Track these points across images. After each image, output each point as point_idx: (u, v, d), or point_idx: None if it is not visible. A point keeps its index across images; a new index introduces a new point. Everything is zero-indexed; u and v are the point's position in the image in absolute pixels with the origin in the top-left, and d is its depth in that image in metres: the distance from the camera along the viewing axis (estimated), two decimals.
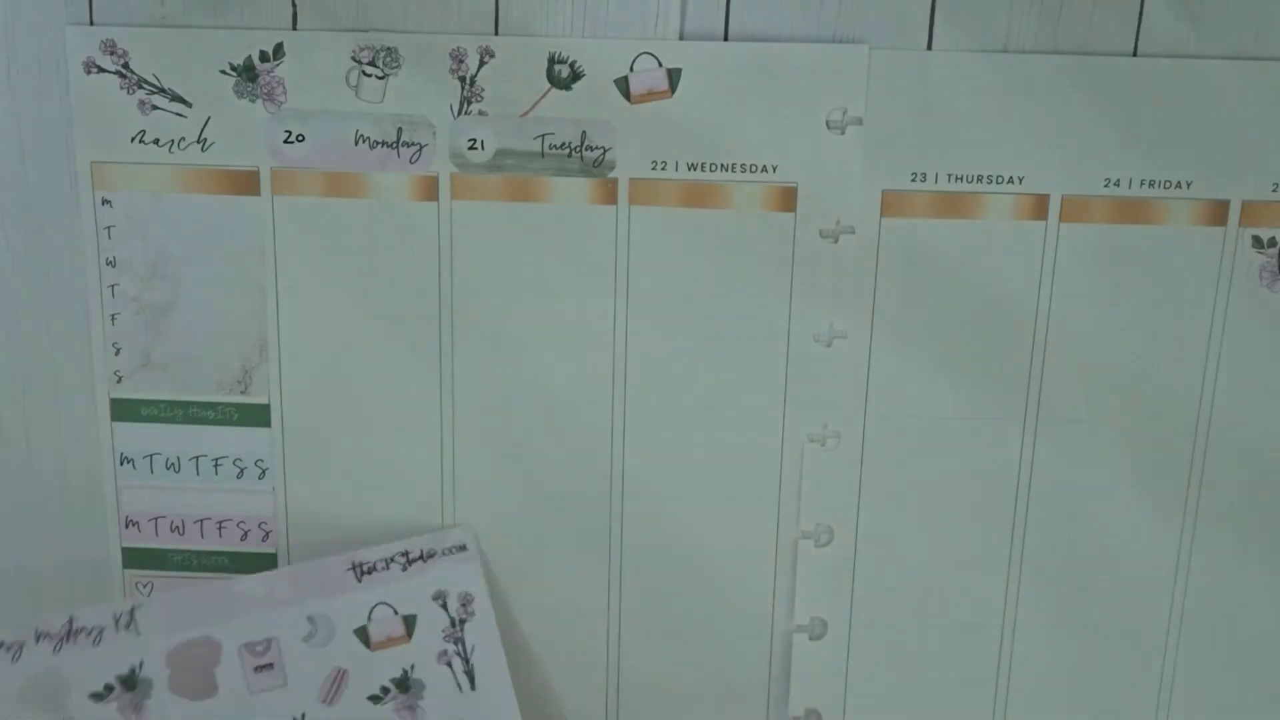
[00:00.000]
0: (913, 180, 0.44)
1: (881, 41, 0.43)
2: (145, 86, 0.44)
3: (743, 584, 0.48)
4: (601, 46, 0.43)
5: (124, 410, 0.47)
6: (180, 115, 0.44)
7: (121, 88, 0.44)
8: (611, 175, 0.44)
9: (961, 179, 0.44)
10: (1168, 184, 0.44)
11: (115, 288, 0.46)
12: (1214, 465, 0.46)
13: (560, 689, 0.48)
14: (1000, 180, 0.44)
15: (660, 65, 0.43)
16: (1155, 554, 0.47)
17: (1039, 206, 0.45)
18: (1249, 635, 0.48)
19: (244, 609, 0.45)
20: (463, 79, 0.44)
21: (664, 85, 0.44)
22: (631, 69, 0.44)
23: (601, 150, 0.44)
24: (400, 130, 0.44)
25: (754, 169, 0.44)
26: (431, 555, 0.45)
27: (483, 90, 0.44)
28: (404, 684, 0.45)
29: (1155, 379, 0.46)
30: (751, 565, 0.48)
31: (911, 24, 0.43)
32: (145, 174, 0.45)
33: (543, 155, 0.44)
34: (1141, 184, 0.44)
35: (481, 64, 0.44)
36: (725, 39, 0.43)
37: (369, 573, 0.45)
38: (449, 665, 0.45)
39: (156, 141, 0.45)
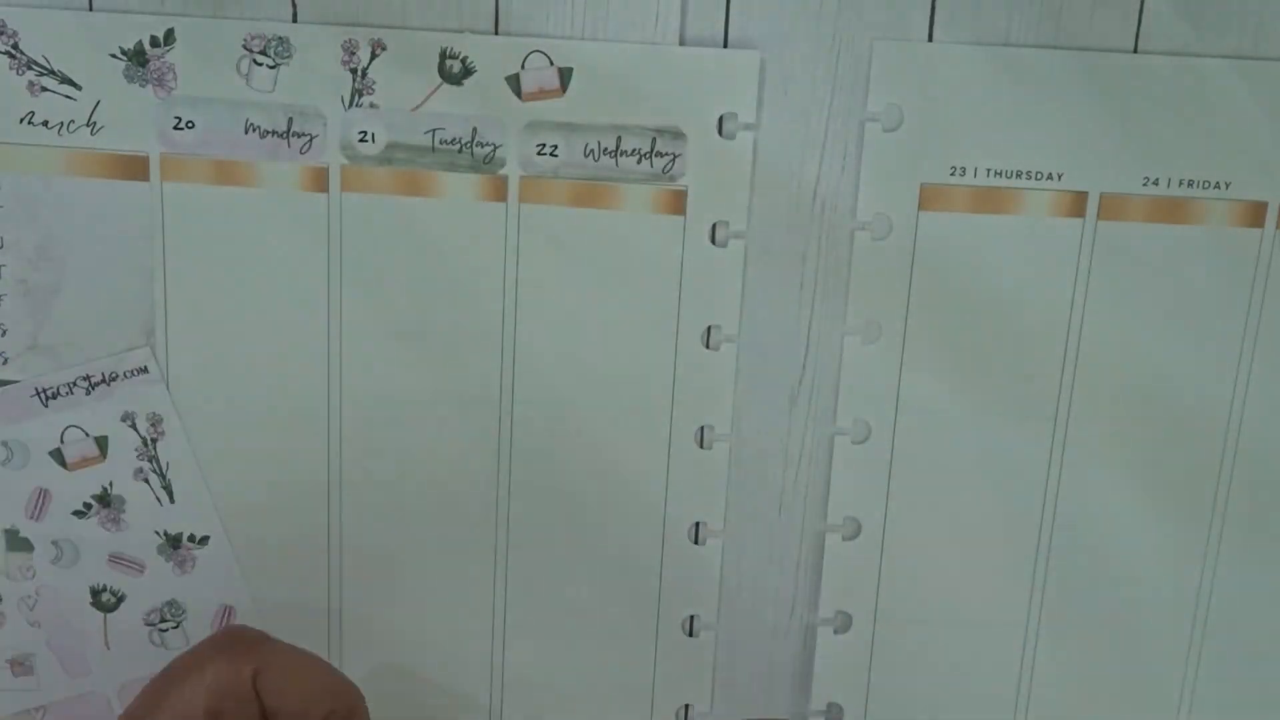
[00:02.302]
0: (952, 174, 0.44)
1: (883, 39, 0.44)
2: (35, 68, 0.44)
3: (634, 572, 0.48)
4: (494, 43, 0.43)
5: None
6: (70, 98, 0.44)
7: (10, 68, 0.44)
8: (502, 172, 0.44)
9: (1001, 174, 0.45)
10: (1207, 184, 0.45)
11: (3, 269, 0.46)
12: (1243, 471, 0.47)
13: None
14: (1039, 176, 0.44)
15: (551, 64, 0.43)
16: (1180, 563, 0.48)
17: (1077, 204, 0.45)
18: (1272, 641, 0.48)
19: None
20: (354, 70, 0.44)
21: (555, 84, 0.44)
22: (523, 67, 0.43)
23: (492, 147, 0.44)
24: (290, 120, 0.44)
25: (645, 172, 0.44)
26: (114, 378, 0.46)
27: (374, 83, 0.44)
28: (105, 500, 0.47)
29: (1186, 382, 0.46)
30: (644, 556, 0.48)
31: (913, 21, 0.44)
32: (34, 155, 0.45)
33: (433, 150, 0.44)
34: (1181, 183, 0.45)
35: (374, 56, 0.44)
36: (725, 37, 0.44)
37: (54, 398, 0.45)
38: (146, 481, 0.47)
39: (45, 123, 0.44)
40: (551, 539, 0.47)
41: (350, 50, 0.43)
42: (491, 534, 0.48)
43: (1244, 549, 0.48)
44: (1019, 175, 0.45)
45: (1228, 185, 0.45)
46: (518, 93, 0.44)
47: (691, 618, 0.48)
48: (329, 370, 0.46)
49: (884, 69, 0.44)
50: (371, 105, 0.44)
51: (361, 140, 0.44)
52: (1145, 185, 0.45)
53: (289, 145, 0.44)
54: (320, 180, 0.45)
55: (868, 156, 0.45)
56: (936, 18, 0.44)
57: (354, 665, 0.48)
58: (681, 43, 0.44)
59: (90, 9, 0.43)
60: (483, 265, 0.45)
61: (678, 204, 0.45)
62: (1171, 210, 0.45)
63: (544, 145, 0.44)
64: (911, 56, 0.44)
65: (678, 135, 0.44)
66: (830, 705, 0.49)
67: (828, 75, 0.44)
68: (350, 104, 0.44)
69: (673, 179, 0.44)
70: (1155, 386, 0.46)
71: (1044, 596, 0.48)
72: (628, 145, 0.44)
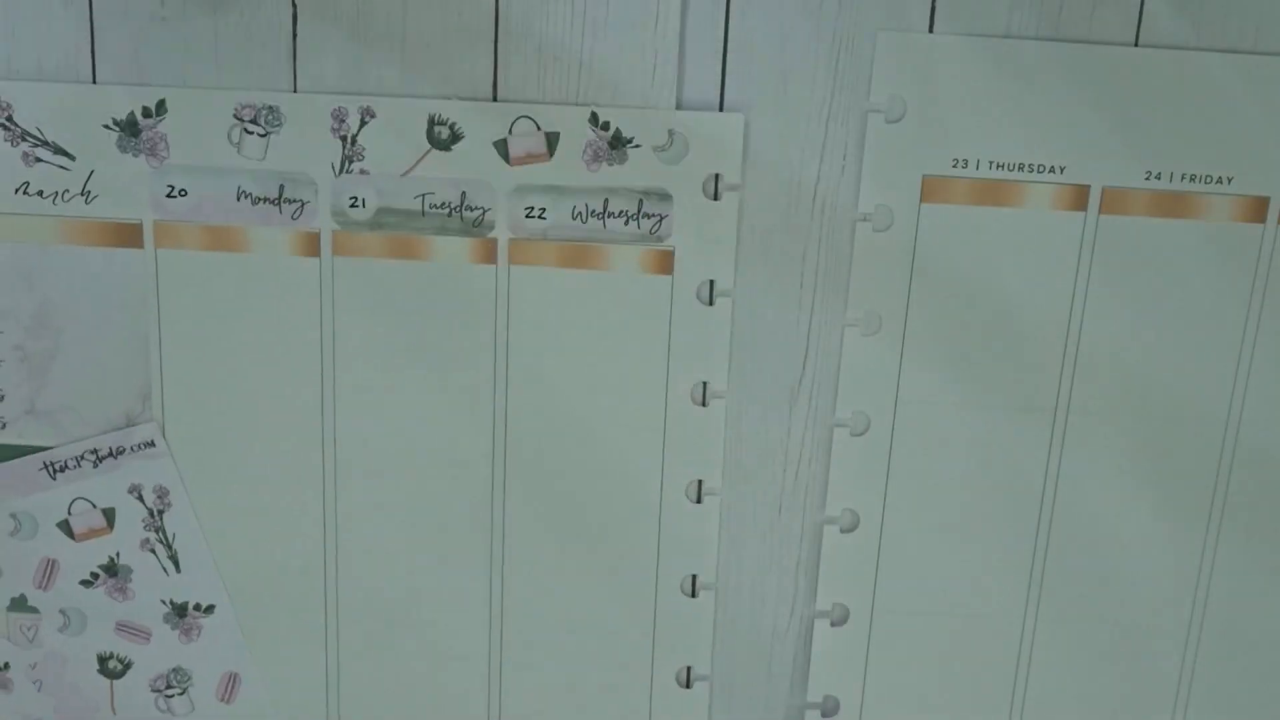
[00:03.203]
0: (954, 166, 0.45)
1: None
2: (29, 139, 0.44)
3: (623, 632, 0.49)
4: (481, 109, 0.44)
5: (7, 456, 0.47)
6: (64, 168, 0.45)
7: (5, 140, 0.44)
8: (491, 235, 0.45)
9: (1003, 166, 0.45)
10: (1209, 179, 0.45)
11: (0, 336, 0.46)
12: (1242, 464, 0.47)
13: None
14: (1041, 169, 0.45)
15: (539, 129, 0.44)
16: (1177, 554, 0.48)
17: (1079, 197, 0.45)
18: (1269, 638, 0.49)
19: None
20: (344, 138, 0.44)
21: (542, 149, 0.44)
22: (510, 132, 0.44)
23: (481, 210, 0.45)
24: (282, 187, 0.45)
25: (633, 233, 0.45)
26: (121, 452, 0.46)
27: (364, 149, 0.44)
28: (112, 569, 0.48)
29: (1186, 376, 0.46)
30: (634, 612, 0.48)
31: (913, 14, 0.44)
32: (29, 224, 0.45)
33: (423, 214, 0.45)
34: (1183, 178, 0.45)
35: (363, 124, 0.44)
36: (725, 37, 0.44)
37: (62, 470, 0.46)
38: (153, 552, 0.48)
39: (40, 193, 0.45)
40: (549, 595, 0.48)
41: (340, 118, 0.44)
42: (486, 586, 0.48)
43: (1242, 541, 0.48)
44: (1021, 168, 0.44)
45: (1230, 180, 0.45)
46: (505, 157, 0.44)
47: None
48: (323, 433, 0.47)
49: (887, 60, 0.44)
50: (362, 171, 0.45)
51: (352, 205, 0.45)
52: (1147, 179, 0.45)
53: (281, 211, 0.45)
54: (312, 245, 0.45)
55: (870, 148, 0.45)
56: (938, 10, 0.43)
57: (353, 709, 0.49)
58: (680, 37, 0.44)
59: (95, 81, 0.44)
60: (474, 327, 0.46)
61: (665, 264, 0.45)
62: (1173, 205, 0.45)
63: (532, 208, 0.45)
64: (914, 48, 0.43)
65: (664, 197, 0.44)
66: (826, 698, 0.49)
67: (828, 71, 0.44)
68: (341, 170, 0.44)
69: (660, 239, 0.45)
70: (1155, 380, 0.46)
71: (1041, 589, 0.48)
72: (615, 207, 0.45)
